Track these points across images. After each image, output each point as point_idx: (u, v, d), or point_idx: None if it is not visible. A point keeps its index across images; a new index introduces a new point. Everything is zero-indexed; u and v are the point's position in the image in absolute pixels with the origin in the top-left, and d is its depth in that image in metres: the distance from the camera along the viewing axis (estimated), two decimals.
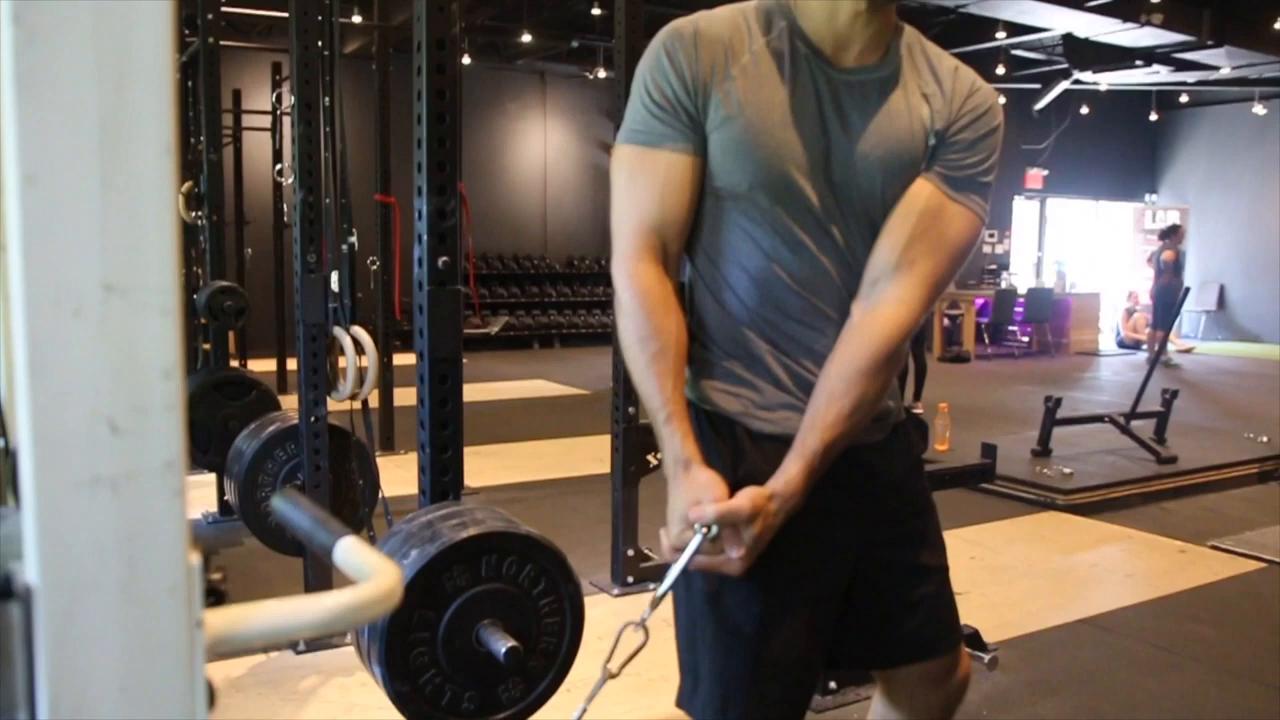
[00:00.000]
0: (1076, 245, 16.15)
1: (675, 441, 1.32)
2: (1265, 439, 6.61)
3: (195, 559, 0.70)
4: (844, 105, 1.39)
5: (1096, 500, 5.29)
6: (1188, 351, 13.36)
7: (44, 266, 0.63)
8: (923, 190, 1.41)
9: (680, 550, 1.29)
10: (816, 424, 1.36)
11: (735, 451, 1.43)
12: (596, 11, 10.25)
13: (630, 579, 3.80)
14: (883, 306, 1.39)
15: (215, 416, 3.94)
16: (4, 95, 0.64)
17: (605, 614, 3.46)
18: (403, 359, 6.80)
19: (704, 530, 1.27)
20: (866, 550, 1.50)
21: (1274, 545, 4.56)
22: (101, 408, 0.66)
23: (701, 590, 1.45)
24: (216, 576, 3.48)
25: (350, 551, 0.92)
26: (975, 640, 2.92)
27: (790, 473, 1.34)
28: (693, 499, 1.28)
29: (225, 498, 4.05)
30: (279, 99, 7.39)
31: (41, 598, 0.66)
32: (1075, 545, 4.71)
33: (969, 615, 2.56)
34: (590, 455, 5.91)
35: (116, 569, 0.67)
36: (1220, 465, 5.94)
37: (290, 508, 1.14)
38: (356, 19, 8.47)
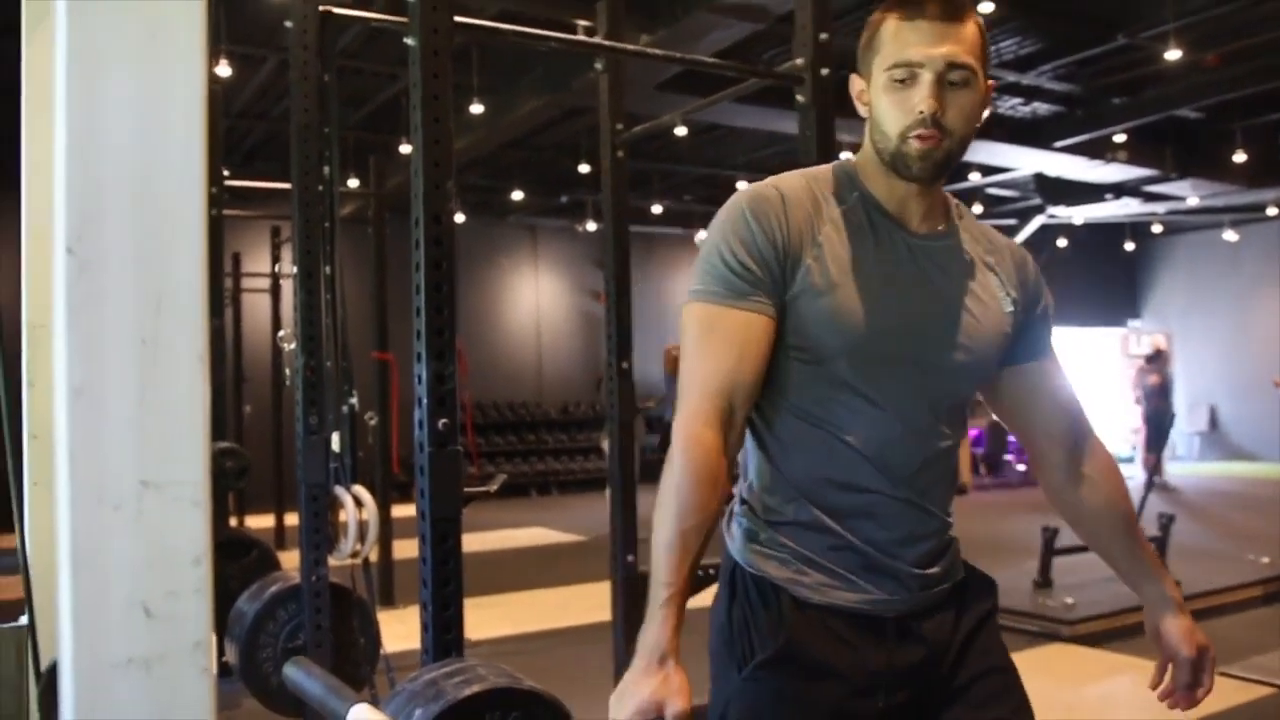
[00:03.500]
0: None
1: (665, 628, 1.25)
2: (1266, 559, 6.59)
3: None
4: (928, 271, 1.41)
5: (1101, 630, 5.24)
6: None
7: (88, 467, 0.70)
8: (1046, 366, 1.53)
9: None
10: (1155, 565, 1.55)
11: (778, 619, 1.38)
12: (584, 168, 10.64)
13: None
14: (1103, 454, 1.55)
15: (216, 577, 3.94)
16: (55, 317, 0.73)
17: None
18: (401, 511, 6.79)
19: None
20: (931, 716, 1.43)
21: None
22: (137, 593, 0.72)
23: None
24: None
25: (363, 718, 0.97)
26: None
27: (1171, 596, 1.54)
28: (659, 699, 1.21)
29: (224, 659, 4.02)
30: (278, 263, 7.61)
31: None
32: (1084, 677, 4.66)
33: None
34: (591, 603, 5.86)
35: None
36: (1223, 589, 5.91)
37: (303, 676, 1.19)
38: (353, 183, 8.78)
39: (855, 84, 1.43)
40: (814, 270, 1.35)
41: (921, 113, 1.32)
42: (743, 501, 1.46)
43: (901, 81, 1.34)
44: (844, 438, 1.37)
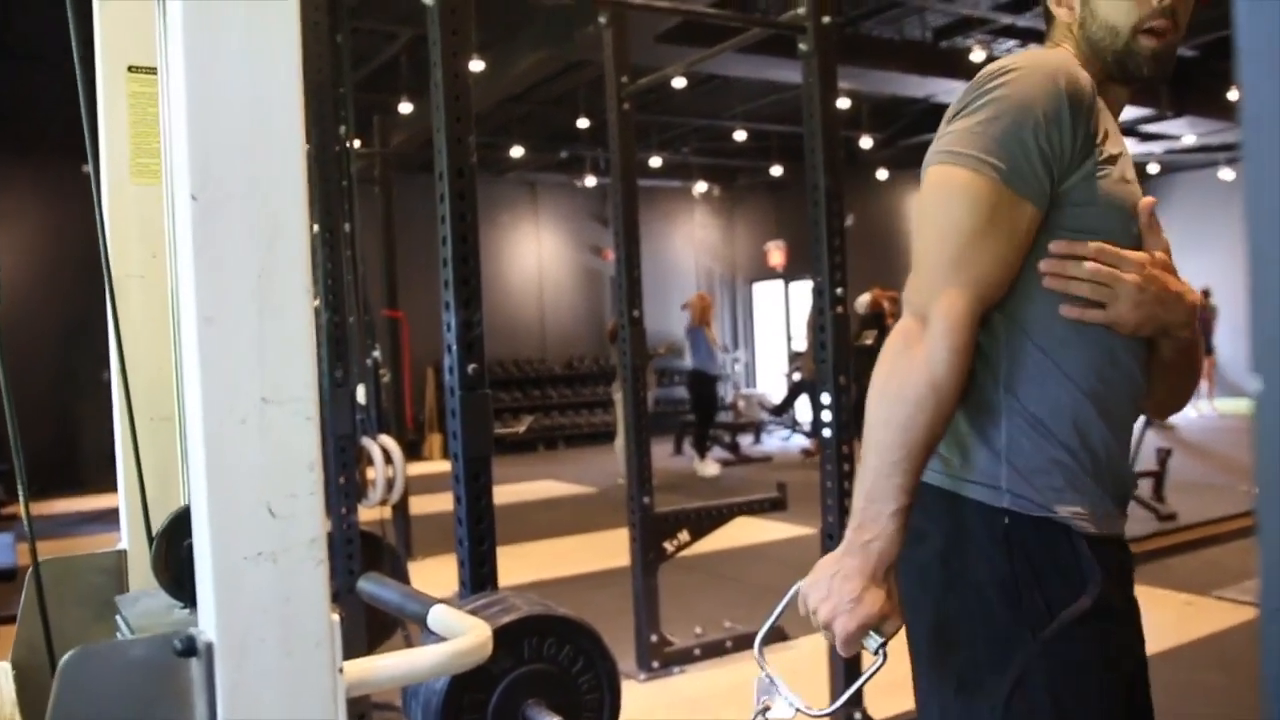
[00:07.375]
0: None
1: (895, 542, 1.18)
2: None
3: (335, 617, 0.86)
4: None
5: None
6: None
7: (218, 386, 0.81)
8: None
9: (848, 644, 1.19)
10: None
11: (1080, 564, 1.22)
12: (583, 123, 10.64)
13: (655, 664, 3.89)
14: None
15: None
16: (183, 255, 0.83)
17: (634, 699, 3.55)
18: (414, 468, 6.92)
19: (882, 652, 1.19)
20: None
21: None
22: (262, 495, 0.83)
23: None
24: None
25: (443, 616, 1.09)
26: None
27: None
28: (885, 614, 1.18)
29: None
30: None
31: (219, 653, 0.82)
32: None
33: None
34: (603, 550, 6.01)
35: (276, 627, 0.84)
36: (1219, 519, 6.06)
37: (378, 587, 1.30)
38: (355, 143, 8.81)
39: None
40: (1101, 151, 1.25)
41: (1163, 1, 1.25)
42: (1000, 417, 1.26)
43: None
44: (1112, 339, 1.27)
